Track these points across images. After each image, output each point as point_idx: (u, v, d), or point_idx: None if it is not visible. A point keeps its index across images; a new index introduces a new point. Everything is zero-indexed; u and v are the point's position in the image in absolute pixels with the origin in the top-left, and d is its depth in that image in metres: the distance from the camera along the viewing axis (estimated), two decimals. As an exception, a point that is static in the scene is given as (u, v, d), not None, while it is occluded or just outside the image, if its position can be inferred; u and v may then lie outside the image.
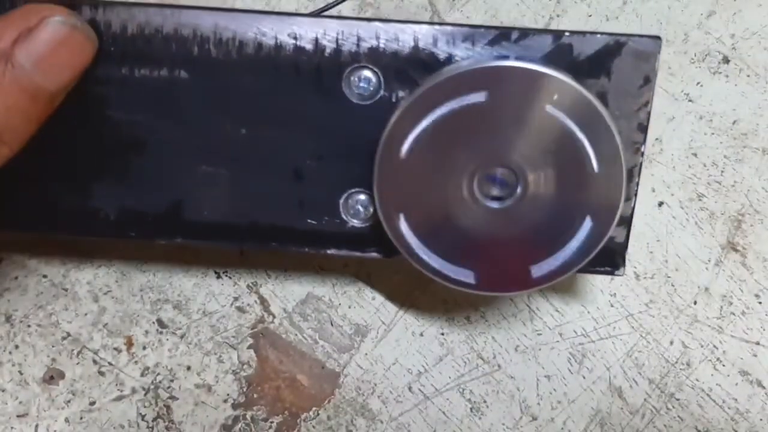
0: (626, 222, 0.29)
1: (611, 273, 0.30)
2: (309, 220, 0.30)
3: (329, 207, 0.30)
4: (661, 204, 0.36)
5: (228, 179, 0.29)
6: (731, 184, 0.36)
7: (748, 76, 0.35)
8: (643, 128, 0.28)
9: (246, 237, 0.30)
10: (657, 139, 0.36)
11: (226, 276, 0.37)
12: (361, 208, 0.30)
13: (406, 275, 0.36)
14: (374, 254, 0.30)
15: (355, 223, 0.30)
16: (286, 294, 0.37)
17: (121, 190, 0.30)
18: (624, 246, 0.30)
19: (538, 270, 0.28)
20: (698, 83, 0.35)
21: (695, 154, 0.36)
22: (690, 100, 0.35)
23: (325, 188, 0.30)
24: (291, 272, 0.37)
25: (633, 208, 0.29)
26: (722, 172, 0.36)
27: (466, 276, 0.28)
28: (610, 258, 0.30)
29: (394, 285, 0.37)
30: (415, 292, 0.36)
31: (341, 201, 0.30)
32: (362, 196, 0.30)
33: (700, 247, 0.36)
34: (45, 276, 0.36)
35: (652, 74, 0.28)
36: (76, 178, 0.30)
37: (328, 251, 0.30)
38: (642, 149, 0.28)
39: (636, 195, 0.29)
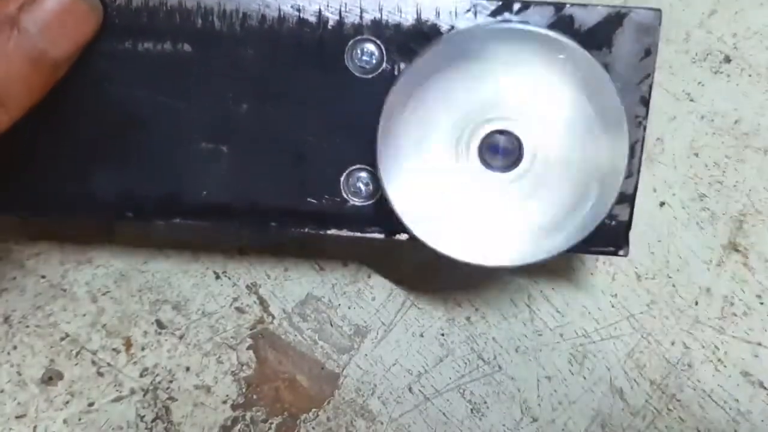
0: (629, 200, 0.29)
1: (614, 254, 0.30)
2: (309, 199, 0.30)
3: (330, 185, 0.30)
4: (662, 204, 0.36)
5: (228, 157, 0.29)
6: (733, 185, 0.35)
7: (750, 75, 0.35)
8: (646, 102, 0.28)
9: (245, 218, 0.30)
10: (658, 138, 0.35)
11: (226, 276, 0.36)
12: (362, 186, 0.29)
13: (406, 275, 0.36)
14: (375, 234, 0.30)
15: (355, 201, 0.30)
16: (285, 294, 0.36)
17: (120, 169, 0.29)
18: (627, 225, 0.29)
19: (544, 243, 0.28)
20: (699, 83, 0.35)
21: (697, 154, 0.36)
22: (691, 100, 0.35)
23: (326, 165, 0.29)
24: (290, 273, 0.36)
25: (636, 186, 0.29)
26: (724, 172, 0.35)
27: (481, 250, 0.28)
28: (612, 238, 0.29)
29: (394, 285, 0.36)
30: (416, 292, 0.36)
31: (342, 178, 0.29)
32: (363, 174, 0.29)
33: (702, 247, 0.36)
34: (43, 276, 0.36)
35: (653, 46, 0.28)
36: (72, 156, 0.29)
37: (329, 231, 0.30)
38: (644, 123, 0.28)
39: (639, 172, 0.29)
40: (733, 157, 0.35)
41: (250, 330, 0.36)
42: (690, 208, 0.36)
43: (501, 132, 0.27)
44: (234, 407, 0.36)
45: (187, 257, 0.36)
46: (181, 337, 0.36)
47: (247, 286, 0.36)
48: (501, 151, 0.27)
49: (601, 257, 0.36)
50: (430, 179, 0.27)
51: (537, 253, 0.28)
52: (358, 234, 0.30)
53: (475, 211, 0.28)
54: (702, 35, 0.35)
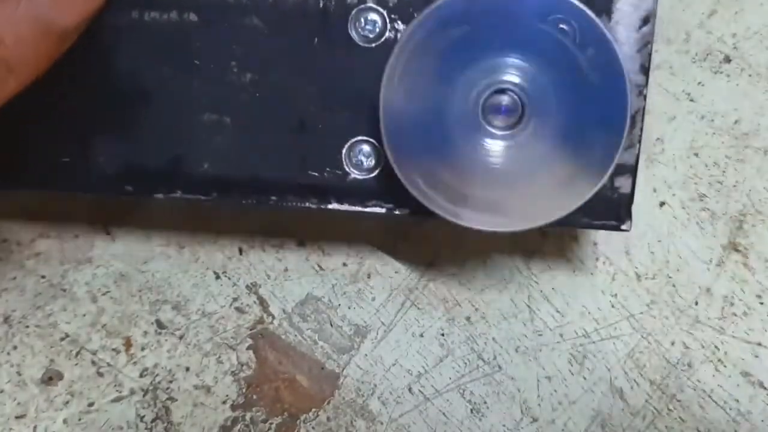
0: (631, 171, 0.29)
1: (617, 228, 0.29)
2: (311, 172, 0.29)
3: (332, 157, 0.29)
4: (662, 204, 0.36)
5: (231, 128, 0.29)
6: (733, 184, 0.35)
7: (750, 75, 0.35)
8: (645, 70, 0.28)
9: (246, 191, 0.30)
10: (658, 138, 0.35)
11: (225, 276, 0.36)
12: (363, 159, 0.29)
13: (406, 273, 0.36)
14: (376, 209, 0.30)
15: (357, 175, 0.29)
16: (285, 294, 0.36)
17: (121, 142, 0.29)
18: (630, 198, 0.29)
19: (547, 205, 0.27)
20: (699, 83, 0.35)
21: (696, 154, 0.36)
22: (691, 100, 0.35)
23: (328, 136, 0.29)
24: (290, 273, 0.36)
25: (637, 157, 0.29)
26: (724, 172, 0.35)
27: (485, 214, 0.28)
28: (614, 211, 0.29)
29: (394, 284, 0.36)
30: (416, 292, 0.36)
31: (344, 151, 0.29)
32: (365, 146, 0.29)
33: (702, 247, 0.36)
34: (43, 276, 0.36)
35: (651, 14, 0.28)
36: (74, 128, 0.29)
37: (329, 206, 0.30)
38: (644, 92, 0.28)
39: (640, 143, 0.28)
40: (733, 157, 0.35)
41: (250, 330, 0.36)
42: (690, 208, 0.36)
43: (503, 91, 0.27)
44: (234, 407, 0.36)
45: (187, 257, 0.36)
46: (181, 337, 0.36)
47: (247, 286, 0.36)
48: (503, 110, 0.27)
49: (601, 257, 0.36)
50: (434, 146, 0.27)
51: (541, 216, 0.27)
52: (359, 208, 0.30)
53: (480, 176, 0.27)
54: (702, 35, 0.35)
